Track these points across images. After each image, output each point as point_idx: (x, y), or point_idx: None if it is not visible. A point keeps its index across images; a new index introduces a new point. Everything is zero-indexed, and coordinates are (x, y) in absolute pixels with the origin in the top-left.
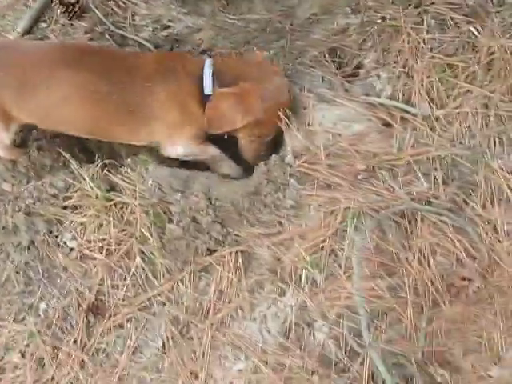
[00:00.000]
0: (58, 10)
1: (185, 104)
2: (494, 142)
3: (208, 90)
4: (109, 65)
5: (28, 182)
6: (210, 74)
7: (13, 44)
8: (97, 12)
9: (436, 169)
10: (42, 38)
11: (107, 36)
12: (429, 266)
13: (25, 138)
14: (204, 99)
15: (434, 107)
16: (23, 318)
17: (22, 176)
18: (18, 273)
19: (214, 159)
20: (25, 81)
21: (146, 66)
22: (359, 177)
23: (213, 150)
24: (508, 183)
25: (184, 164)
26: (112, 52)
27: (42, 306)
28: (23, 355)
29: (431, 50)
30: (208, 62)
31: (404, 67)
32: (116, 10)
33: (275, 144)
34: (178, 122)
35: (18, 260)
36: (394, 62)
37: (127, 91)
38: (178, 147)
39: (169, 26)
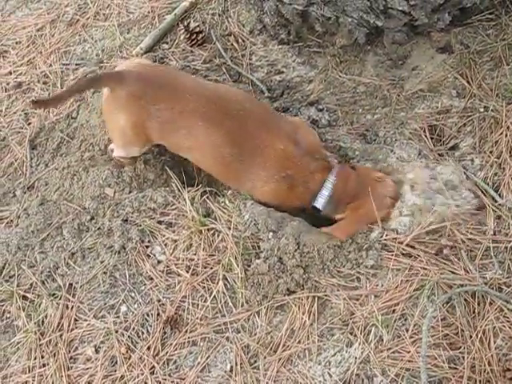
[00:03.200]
0: (182, 35)
1: (287, 202)
2: None
3: (320, 206)
4: (242, 136)
5: (130, 192)
6: (327, 196)
7: (175, 81)
8: (217, 44)
9: (511, 259)
10: (162, 58)
11: (224, 69)
12: (489, 347)
13: None
14: (313, 209)
15: None
16: (103, 316)
17: (126, 185)
18: (105, 273)
19: None
20: (171, 119)
21: (270, 153)
22: (444, 251)
23: None
24: None
25: None
26: (250, 120)
27: (123, 308)
28: (97, 350)
29: None
30: (328, 183)
31: (498, 158)
32: (235, 45)
33: None
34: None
35: (107, 261)
36: (490, 152)
37: (244, 166)
38: None
39: (282, 72)
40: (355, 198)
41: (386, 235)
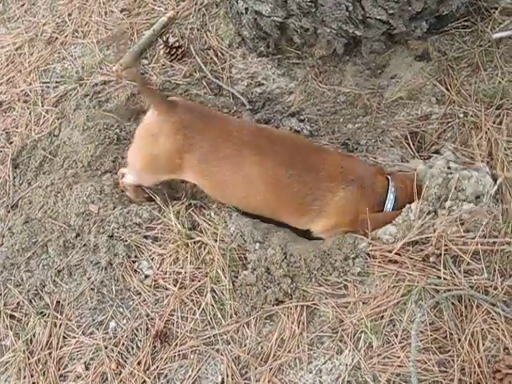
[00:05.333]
0: (161, 51)
1: (359, 215)
2: None
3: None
4: (295, 158)
5: (114, 208)
6: (393, 200)
7: (220, 114)
8: (197, 58)
9: (497, 262)
10: (142, 74)
11: (204, 83)
12: (478, 349)
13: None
14: None
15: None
16: (92, 333)
17: (109, 201)
18: (92, 289)
19: None
20: (216, 149)
21: (331, 164)
22: (430, 259)
23: None
24: None
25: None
26: (300, 145)
27: (112, 324)
28: (87, 367)
29: (508, 142)
30: (392, 188)
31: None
32: (215, 59)
33: None
34: (342, 224)
35: (94, 278)
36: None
37: (308, 185)
38: (322, 234)
39: (262, 84)
40: (410, 199)
41: (374, 244)
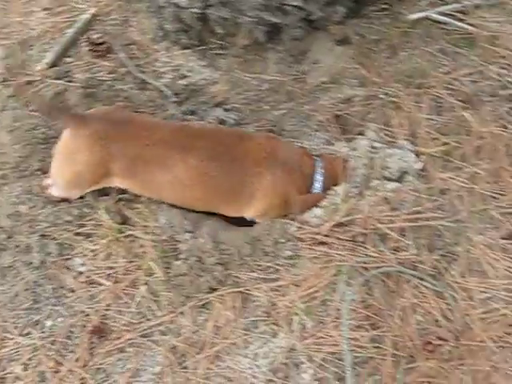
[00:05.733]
0: (85, 48)
1: (289, 197)
2: (477, 219)
3: (317, 191)
4: (219, 151)
5: (44, 207)
6: (321, 180)
7: (136, 119)
8: (121, 54)
9: (423, 237)
10: (66, 72)
11: (129, 78)
12: (409, 323)
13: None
14: None
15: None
16: (28, 333)
17: (39, 201)
18: (26, 290)
19: None
20: (139, 155)
21: (256, 150)
22: (359, 239)
23: None
24: (485, 257)
25: None
26: (222, 136)
27: (48, 323)
28: (25, 368)
29: (428, 120)
30: (319, 170)
31: (404, 140)
32: (139, 53)
33: None
34: (273, 207)
35: (27, 278)
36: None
37: (235, 174)
38: (255, 218)
39: (187, 76)
40: (338, 180)
41: (303, 228)
